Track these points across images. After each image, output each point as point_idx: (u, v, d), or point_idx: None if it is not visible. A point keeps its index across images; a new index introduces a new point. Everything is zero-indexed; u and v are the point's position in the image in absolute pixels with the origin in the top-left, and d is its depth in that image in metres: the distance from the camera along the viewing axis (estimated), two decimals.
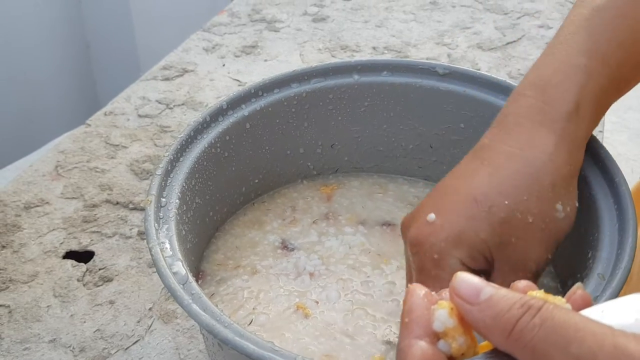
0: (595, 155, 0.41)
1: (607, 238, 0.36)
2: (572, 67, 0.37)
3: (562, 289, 0.43)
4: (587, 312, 0.24)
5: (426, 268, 0.35)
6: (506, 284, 0.31)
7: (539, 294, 0.24)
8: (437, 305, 0.25)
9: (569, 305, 0.24)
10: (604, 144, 0.50)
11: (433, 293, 0.26)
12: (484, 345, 0.25)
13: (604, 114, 0.40)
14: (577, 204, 0.37)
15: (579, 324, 0.21)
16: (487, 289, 0.24)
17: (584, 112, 0.37)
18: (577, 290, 0.25)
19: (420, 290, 0.26)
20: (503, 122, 0.38)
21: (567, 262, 0.43)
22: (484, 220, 0.34)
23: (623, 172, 0.41)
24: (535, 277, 0.36)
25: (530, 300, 0.23)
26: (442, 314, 0.24)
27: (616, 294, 0.33)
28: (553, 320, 0.22)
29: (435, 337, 0.25)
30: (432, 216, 0.35)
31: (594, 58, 0.38)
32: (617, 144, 0.87)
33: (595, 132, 0.69)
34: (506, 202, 0.35)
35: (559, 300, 0.24)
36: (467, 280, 0.24)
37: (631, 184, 0.54)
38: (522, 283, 0.25)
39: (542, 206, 0.35)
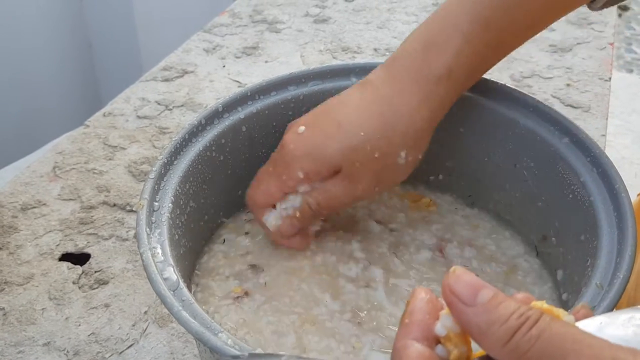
0: (595, 162, 0.40)
1: (606, 246, 0.35)
2: (454, 32, 0.42)
3: (563, 300, 0.43)
4: (585, 324, 0.23)
5: (278, 165, 0.42)
6: (339, 186, 0.42)
7: (542, 305, 0.24)
8: (446, 310, 0.24)
9: (571, 317, 0.23)
10: (607, 147, 0.50)
11: (439, 299, 0.25)
12: (477, 354, 0.25)
13: (479, 77, 0.45)
14: (420, 157, 0.43)
15: (576, 337, 0.21)
16: (485, 291, 0.23)
17: (455, 76, 0.42)
18: (581, 309, 0.25)
19: (425, 294, 0.25)
20: (390, 67, 0.44)
21: (567, 269, 0.42)
22: (338, 142, 0.41)
23: (627, 176, 0.40)
24: (356, 197, 0.43)
25: (527, 311, 0.22)
26: (449, 320, 0.24)
27: (614, 304, 0.32)
28: (550, 332, 0.21)
29: (434, 341, 0.24)
30: (302, 128, 0.42)
31: (476, 23, 0.41)
32: (621, 147, 0.86)
33: (597, 136, 0.69)
34: (362, 134, 0.41)
35: (561, 312, 0.23)
36: (464, 277, 0.23)
37: (635, 187, 0.54)
38: (521, 295, 0.25)
39: (389, 148, 0.42)
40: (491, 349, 0.23)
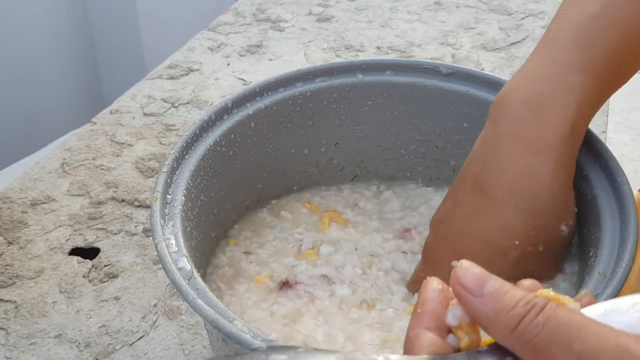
0: (597, 155, 0.41)
1: (609, 237, 0.36)
2: (567, 87, 0.38)
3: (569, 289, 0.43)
4: (589, 310, 0.24)
5: None
6: None
7: (549, 292, 0.24)
8: (455, 300, 0.25)
9: (577, 304, 0.24)
10: (607, 144, 0.50)
11: (450, 289, 0.26)
12: (486, 342, 0.25)
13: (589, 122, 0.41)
14: (575, 210, 0.39)
15: (582, 323, 0.22)
16: (492, 282, 0.24)
17: (578, 131, 0.38)
18: (584, 296, 0.25)
19: (437, 285, 0.26)
20: (497, 146, 0.39)
21: (570, 260, 0.43)
22: (500, 262, 0.37)
23: (627, 173, 0.41)
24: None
25: (534, 298, 0.23)
26: (459, 310, 0.25)
27: (617, 292, 0.33)
28: (556, 319, 0.22)
29: (445, 330, 0.25)
30: (454, 264, 0.37)
31: (588, 74, 0.38)
32: (621, 144, 0.87)
33: (598, 132, 0.69)
34: (517, 242, 0.37)
35: (567, 299, 0.24)
36: (471, 270, 0.24)
37: (635, 183, 0.55)
38: (528, 282, 0.26)
39: (549, 234, 0.38)
40: (499, 336, 0.23)
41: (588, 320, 0.22)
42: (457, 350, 0.25)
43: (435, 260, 0.41)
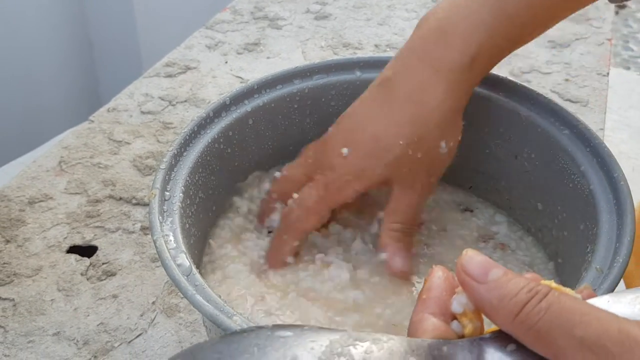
0: (595, 152, 0.42)
1: (606, 232, 0.36)
2: (477, 23, 0.42)
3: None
4: (593, 302, 0.24)
5: (330, 188, 0.43)
6: (403, 198, 0.44)
7: (551, 283, 0.25)
8: (460, 288, 0.25)
9: (579, 295, 0.24)
10: (605, 142, 0.51)
11: (455, 277, 0.26)
12: (490, 330, 0.25)
13: (495, 65, 0.46)
14: (459, 139, 0.45)
15: (584, 310, 0.22)
16: (496, 270, 0.24)
17: (477, 66, 0.43)
18: (584, 289, 0.26)
19: (442, 273, 0.26)
20: (407, 58, 0.44)
21: (567, 256, 0.43)
22: (381, 158, 0.42)
23: (624, 170, 0.41)
24: (421, 196, 0.44)
25: (537, 286, 0.23)
26: (464, 297, 0.25)
27: (614, 287, 0.33)
28: (559, 305, 0.22)
29: (449, 317, 0.25)
30: (345, 150, 0.43)
31: (500, 17, 0.42)
32: (618, 141, 0.87)
33: (595, 130, 0.70)
34: (400, 142, 0.42)
35: (569, 291, 0.24)
36: (475, 258, 0.25)
37: (632, 182, 0.55)
38: (530, 274, 0.26)
39: (429, 144, 0.43)
40: (503, 322, 0.23)
41: (590, 307, 0.22)
42: (461, 337, 0.25)
43: (328, 147, 0.44)
